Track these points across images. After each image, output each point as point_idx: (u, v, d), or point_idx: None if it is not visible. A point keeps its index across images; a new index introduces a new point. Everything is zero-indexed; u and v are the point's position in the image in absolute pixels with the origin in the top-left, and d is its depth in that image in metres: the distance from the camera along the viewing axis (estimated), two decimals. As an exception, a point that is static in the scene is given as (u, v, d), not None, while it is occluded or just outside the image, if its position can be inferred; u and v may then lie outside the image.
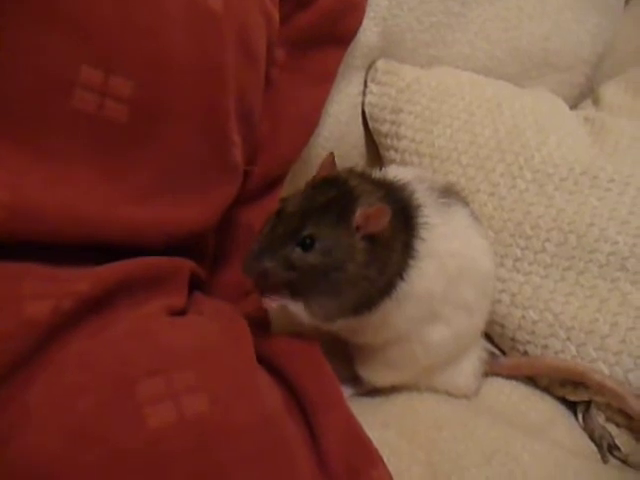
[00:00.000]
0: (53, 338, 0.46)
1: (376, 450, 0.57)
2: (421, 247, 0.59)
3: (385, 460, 0.57)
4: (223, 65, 0.59)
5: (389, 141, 0.90)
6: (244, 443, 0.47)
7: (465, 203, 0.68)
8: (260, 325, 0.63)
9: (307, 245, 0.56)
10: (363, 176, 0.62)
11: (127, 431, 0.43)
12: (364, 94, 0.92)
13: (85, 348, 0.47)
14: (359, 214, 0.56)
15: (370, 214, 0.56)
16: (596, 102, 1.08)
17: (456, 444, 0.62)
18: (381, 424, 0.64)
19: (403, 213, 0.60)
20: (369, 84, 0.92)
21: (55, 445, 0.43)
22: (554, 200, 0.78)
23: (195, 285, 0.66)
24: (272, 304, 0.60)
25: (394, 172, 0.65)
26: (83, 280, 0.49)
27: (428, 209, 0.61)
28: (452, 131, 0.85)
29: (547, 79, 1.07)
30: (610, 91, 1.07)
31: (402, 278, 0.59)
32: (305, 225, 0.57)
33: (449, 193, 0.66)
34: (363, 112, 0.92)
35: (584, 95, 1.14)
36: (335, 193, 0.58)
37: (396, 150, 0.89)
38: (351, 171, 0.61)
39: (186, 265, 0.61)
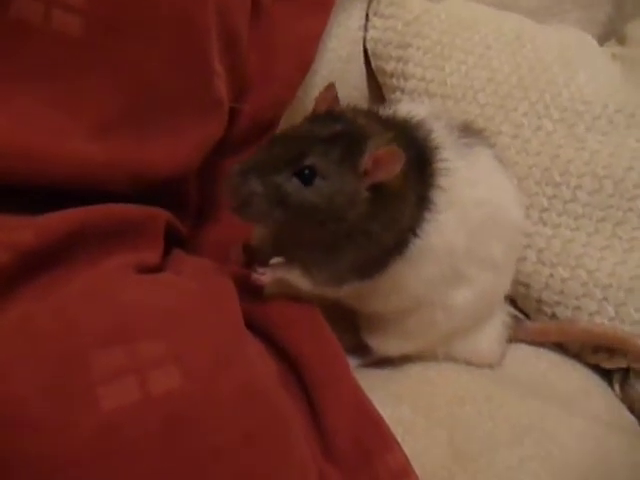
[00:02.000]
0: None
1: (389, 430, 0.49)
2: (440, 198, 0.50)
3: (400, 441, 0.49)
4: None
5: (395, 81, 0.80)
6: (225, 426, 0.38)
7: (489, 144, 0.59)
8: (251, 287, 0.53)
9: (306, 177, 0.46)
10: (370, 114, 0.52)
11: (75, 416, 0.34)
12: (366, 29, 0.82)
13: (27, 313, 0.38)
14: (369, 156, 0.47)
15: (381, 158, 0.46)
16: (622, 41, 0.98)
17: (482, 421, 0.54)
18: (394, 399, 0.56)
19: (418, 157, 0.50)
20: (371, 17, 0.82)
21: None
22: (586, 142, 0.69)
23: (175, 242, 0.57)
24: (264, 279, 0.52)
25: (405, 109, 0.55)
26: (26, 229, 0.39)
27: (448, 151, 0.52)
28: (467, 67, 0.76)
29: (568, 16, 0.97)
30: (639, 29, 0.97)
31: (415, 234, 0.50)
32: (307, 153, 0.46)
33: (470, 132, 0.56)
34: (365, 49, 0.82)
35: (607, 36, 1.05)
36: (341, 128, 0.48)
37: (403, 91, 0.79)
38: (356, 109, 0.51)
39: (161, 216, 0.51)
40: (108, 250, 0.44)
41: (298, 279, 0.52)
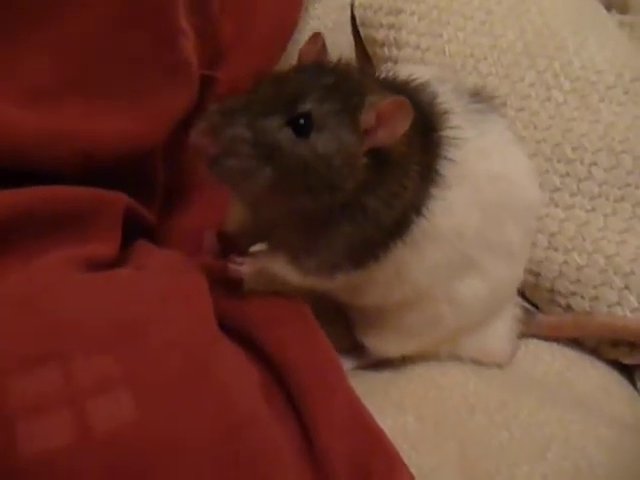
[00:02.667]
0: None
1: (392, 446, 0.42)
2: (449, 171, 0.43)
3: (405, 458, 0.42)
4: None
5: (387, 51, 0.73)
6: (192, 475, 0.30)
7: (502, 113, 0.51)
8: (227, 282, 0.46)
9: (302, 128, 0.39)
10: (365, 73, 0.45)
11: None
12: (353, -7, 0.75)
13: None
14: (369, 109, 0.39)
15: (385, 112, 0.39)
16: (625, 9, 0.92)
17: (496, 431, 0.47)
18: (395, 407, 0.49)
19: (423, 123, 0.43)
20: (359, -20, 0.74)
21: None
22: (600, 114, 0.62)
23: (140, 231, 0.49)
24: (242, 270, 0.44)
25: (407, 71, 0.48)
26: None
27: (457, 117, 0.44)
28: (466, 34, 0.69)
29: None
30: (642, -4, 0.90)
31: (419, 213, 0.43)
32: (304, 97, 0.39)
33: (482, 98, 0.49)
34: (353, 17, 0.76)
35: (608, 7, 0.99)
36: (335, 79, 0.40)
37: (396, 62, 0.72)
38: (349, 64, 0.44)
39: (120, 201, 0.44)
40: (49, 242, 0.36)
41: (283, 268, 0.45)
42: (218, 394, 0.34)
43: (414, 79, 0.46)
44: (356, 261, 0.44)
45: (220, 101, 0.39)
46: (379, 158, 0.41)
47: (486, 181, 0.46)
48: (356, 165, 0.40)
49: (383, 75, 0.46)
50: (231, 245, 0.49)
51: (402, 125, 0.39)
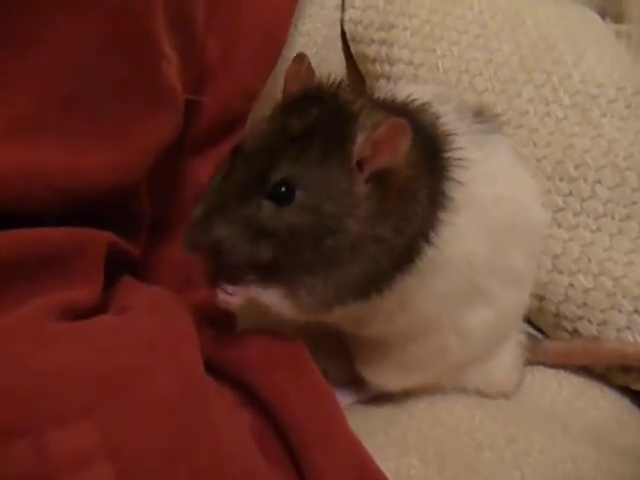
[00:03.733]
0: None
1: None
2: (457, 194, 0.40)
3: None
4: None
5: (379, 67, 0.70)
6: None
7: (505, 132, 0.49)
8: (218, 319, 0.43)
9: (282, 195, 0.37)
10: (359, 92, 0.43)
11: None
12: (343, 9, 0.73)
13: None
14: (362, 140, 0.37)
15: (382, 136, 0.36)
16: (619, 19, 0.91)
17: (506, 470, 0.45)
18: (398, 447, 0.46)
19: (426, 145, 0.40)
20: (349, -5, 0.72)
21: None
22: (602, 129, 0.60)
23: (124, 266, 0.46)
24: (232, 300, 0.41)
25: (405, 90, 0.45)
26: None
27: (461, 139, 0.42)
28: (460, 49, 0.66)
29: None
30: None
31: (428, 241, 0.40)
32: (276, 165, 0.37)
33: (485, 117, 0.46)
34: (344, 32, 0.73)
35: (602, 15, 0.97)
36: (319, 113, 0.38)
37: (388, 78, 0.70)
38: (340, 84, 0.41)
39: (101, 239, 0.41)
40: (25, 291, 0.33)
41: (278, 303, 0.42)
42: (210, 454, 0.31)
43: (414, 100, 0.43)
44: (359, 294, 0.41)
45: (199, 200, 0.39)
46: (383, 182, 0.38)
47: (492, 205, 0.43)
48: (356, 201, 0.38)
49: (381, 95, 0.44)
50: (222, 273, 0.46)
51: (402, 147, 0.36)
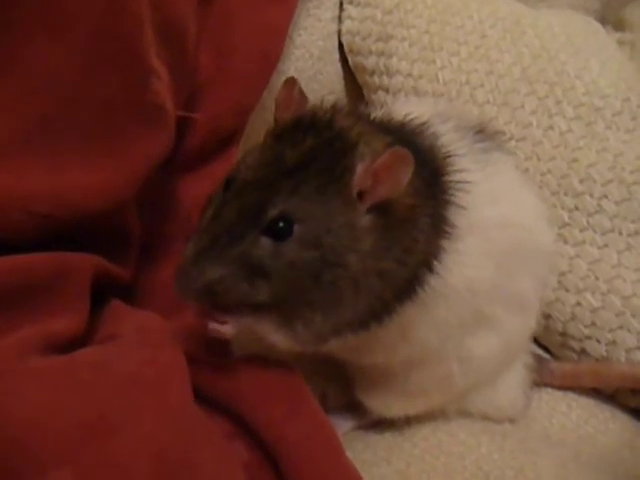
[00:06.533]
0: None
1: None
2: (459, 219, 0.38)
3: None
4: None
5: (377, 79, 0.68)
6: None
7: (508, 150, 0.47)
8: (210, 346, 0.41)
9: (280, 231, 0.35)
10: (356, 115, 0.41)
11: None
12: (340, 20, 0.71)
13: None
14: (362, 170, 0.35)
15: (382, 167, 0.35)
16: (620, 27, 0.89)
17: (516, 504, 0.42)
18: (401, 478, 0.44)
19: (426, 168, 0.38)
20: (346, 6, 0.70)
21: None
22: (608, 142, 0.58)
23: (113, 289, 0.44)
24: (224, 330, 0.39)
25: (402, 108, 0.43)
26: None
27: (462, 160, 0.40)
28: (460, 60, 0.65)
29: (559, 2, 0.88)
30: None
31: (431, 270, 0.38)
32: (272, 199, 0.35)
33: (486, 135, 0.44)
34: (341, 44, 0.71)
35: (602, 23, 0.96)
36: (315, 142, 0.36)
37: (387, 90, 0.68)
38: (334, 107, 0.39)
39: (87, 263, 0.39)
40: (3, 323, 0.31)
41: (272, 334, 0.40)
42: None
43: (412, 120, 0.41)
44: (358, 326, 0.39)
45: (190, 240, 0.37)
46: (385, 212, 0.36)
47: (496, 228, 0.41)
48: (357, 233, 0.36)
49: (377, 115, 0.42)
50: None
51: (404, 177, 0.34)
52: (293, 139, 0.37)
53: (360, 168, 0.35)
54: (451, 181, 0.39)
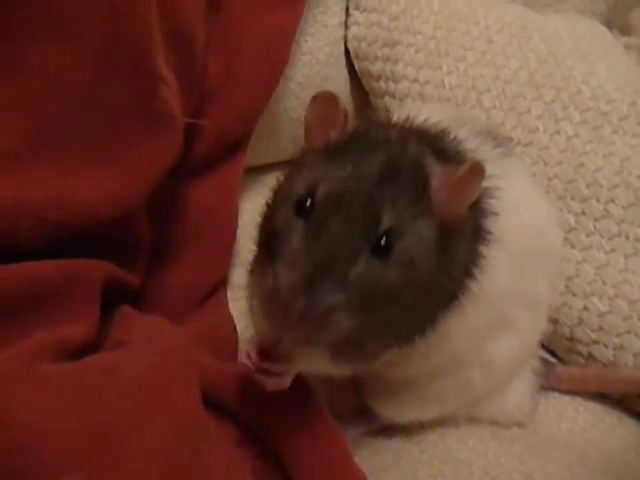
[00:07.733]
0: None
1: None
2: (494, 225, 0.38)
3: None
4: None
5: (383, 85, 0.69)
6: None
7: (517, 153, 0.47)
8: (220, 348, 0.41)
9: (384, 249, 0.32)
10: (402, 127, 0.40)
11: None
12: (346, 26, 0.71)
13: None
14: (437, 184, 0.34)
15: (458, 182, 0.33)
16: (626, 31, 0.89)
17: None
18: (410, 484, 0.44)
19: None
20: (352, 12, 0.71)
21: None
22: (614, 147, 0.58)
23: (124, 295, 0.45)
24: (283, 383, 0.37)
25: (416, 113, 0.43)
26: None
27: (487, 165, 0.39)
28: (467, 65, 0.65)
29: (565, 6, 0.88)
30: (647, 16, 0.87)
31: (472, 276, 0.37)
32: (381, 212, 0.32)
33: (500, 140, 0.45)
34: (347, 50, 0.71)
35: (608, 27, 0.96)
36: (386, 158, 0.34)
37: (393, 96, 0.68)
38: (378, 122, 0.40)
39: (97, 270, 0.39)
40: (14, 330, 0.32)
41: (325, 365, 0.37)
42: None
43: (433, 124, 0.41)
44: (403, 341, 0.38)
45: (284, 261, 0.31)
46: (445, 228, 0.35)
47: (515, 231, 0.41)
48: (432, 250, 0.34)
49: (399, 119, 0.42)
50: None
51: (477, 190, 0.34)
52: (361, 156, 0.34)
53: (435, 182, 0.34)
54: (487, 188, 0.38)
